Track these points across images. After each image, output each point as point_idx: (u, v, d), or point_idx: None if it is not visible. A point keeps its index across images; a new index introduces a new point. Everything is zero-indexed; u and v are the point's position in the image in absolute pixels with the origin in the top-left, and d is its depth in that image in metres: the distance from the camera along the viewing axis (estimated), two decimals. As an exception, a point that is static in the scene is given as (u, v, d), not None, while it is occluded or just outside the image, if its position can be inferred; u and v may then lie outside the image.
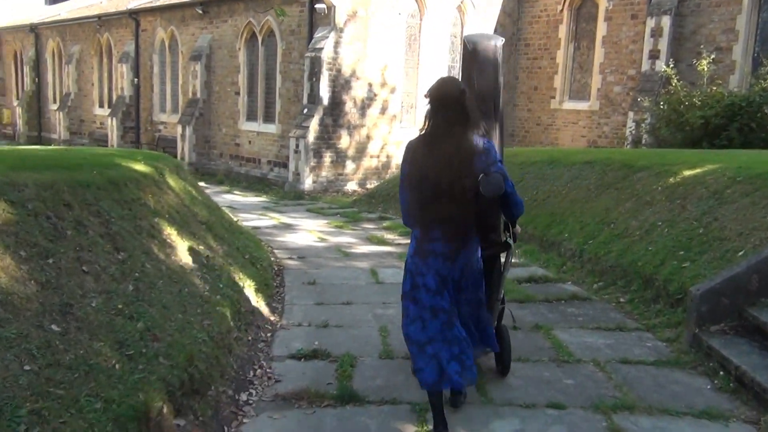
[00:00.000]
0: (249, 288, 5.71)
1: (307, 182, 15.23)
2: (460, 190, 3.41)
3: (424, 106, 17.67)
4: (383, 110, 16.40)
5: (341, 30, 15.16)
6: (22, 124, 28.36)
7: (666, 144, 13.55)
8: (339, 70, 15.31)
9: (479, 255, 3.71)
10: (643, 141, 14.95)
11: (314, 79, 15.09)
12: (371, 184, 15.82)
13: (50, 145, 25.92)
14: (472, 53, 4.29)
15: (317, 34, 15.27)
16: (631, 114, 15.48)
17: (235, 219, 8.85)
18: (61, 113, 25.58)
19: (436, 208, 3.45)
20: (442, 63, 17.64)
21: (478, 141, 3.50)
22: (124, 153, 7.53)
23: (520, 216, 3.89)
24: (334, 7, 14.93)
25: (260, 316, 5.47)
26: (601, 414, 3.89)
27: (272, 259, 8.09)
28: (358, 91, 15.77)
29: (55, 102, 26.99)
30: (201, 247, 5.53)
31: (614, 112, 16.83)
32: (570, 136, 17.97)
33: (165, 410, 3.08)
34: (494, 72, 4.30)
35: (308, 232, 10.39)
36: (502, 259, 4.40)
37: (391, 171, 16.42)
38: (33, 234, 3.36)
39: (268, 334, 5.18)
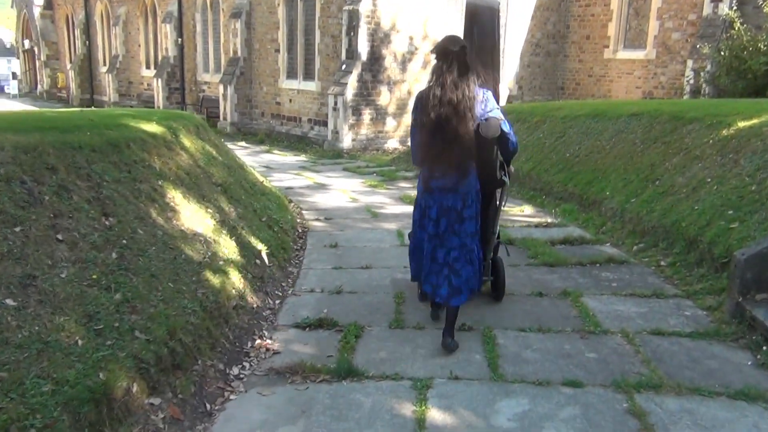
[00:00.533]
0: (261, 252, 5.49)
1: (346, 140, 14.92)
2: (464, 132, 3.89)
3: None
4: (425, 64, 15.82)
5: (379, -19, 14.59)
6: (74, 87, 28.87)
7: (726, 94, 12.62)
8: (378, 24, 14.79)
9: (478, 188, 4.15)
10: (703, 91, 14.00)
11: (352, 34, 14.63)
12: (413, 142, 15.39)
13: (102, 107, 26.36)
14: (472, 14, 4.90)
15: (355, -13, 14.74)
16: (689, 62, 14.48)
17: (262, 179, 8.62)
18: (110, 75, 25.88)
19: (442, 148, 3.94)
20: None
21: (478, 90, 4.02)
22: (142, 113, 7.35)
23: (515, 155, 4.50)
24: (371, -43, 14.35)
25: (271, 281, 5.25)
26: (622, 393, 3.52)
27: (298, 220, 7.87)
28: (398, 45, 15.24)
29: (104, 64, 27.31)
30: (210, 210, 5.32)
31: (672, 61, 15.79)
32: (624, 87, 17.01)
33: (135, 389, 2.89)
34: (492, 30, 4.94)
35: (341, 192, 10.13)
36: (498, 196, 4.90)
37: (434, 127, 15.91)
38: (0, 201, 3.17)
39: (277, 302, 4.96)
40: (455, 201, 4.06)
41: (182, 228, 4.65)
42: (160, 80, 22.06)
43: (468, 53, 4.00)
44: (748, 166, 6.03)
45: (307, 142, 16.46)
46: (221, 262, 4.65)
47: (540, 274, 5.65)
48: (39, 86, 33.55)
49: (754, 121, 6.81)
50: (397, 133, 15.78)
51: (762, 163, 5.91)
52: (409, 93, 15.73)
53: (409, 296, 5.05)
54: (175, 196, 4.97)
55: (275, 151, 15.57)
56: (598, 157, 8.58)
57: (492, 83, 4.54)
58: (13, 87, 35.43)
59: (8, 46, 47.85)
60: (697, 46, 14.06)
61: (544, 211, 8.35)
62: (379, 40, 14.90)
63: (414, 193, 7.88)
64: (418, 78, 15.79)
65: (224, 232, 5.20)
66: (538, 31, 18.03)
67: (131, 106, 24.80)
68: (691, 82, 14.32)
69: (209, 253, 4.63)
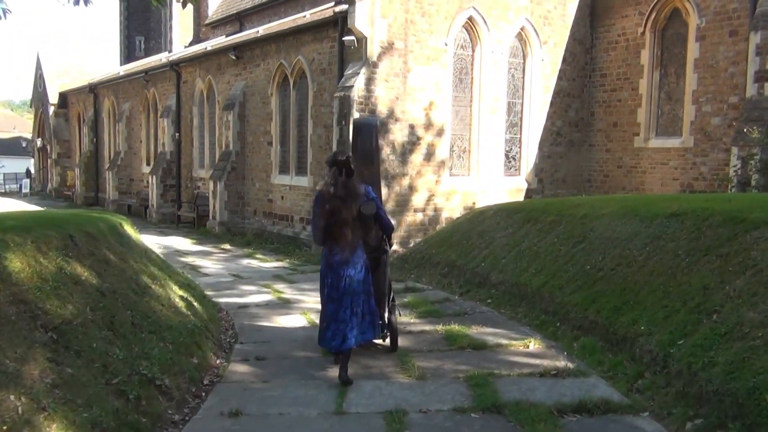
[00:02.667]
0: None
1: (336, 242, 12.95)
2: (351, 218, 5.40)
3: (479, 150, 15.22)
4: (429, 156, 14.05)
5: (375, 65, 13.05)
6: (79, 185, 27.95)
7: (786, 185, 10.42)
8: (373, 111, 13.14)
9: (365, 258, 5.61)
10: (753, 182, 11.80)
11: (343, 123, 12.99)
12: (415, 243, 13.36)
13: (103, 206, 25.17)
14: (356, 129, 6.82)
15: (347, 71, 13.23)
16: (735, 149, 12.38)
17: (183, 303, 6.58)
18: (110, 173, 24.83)
19: (337, 231, 5.41)
20: (501, 99, 15.18)
21: (361, 186, 5.58)
22: (24, 221, 5.51)
23: (392, 232, 6.09)
24: (365, 38, 12.87)
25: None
26: None
27: (218, 362, 5.79)
28: (397, 134, 13.52)
29: (109, 161, 26.38)
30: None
31: (713, 149, 13.70)
32: (659, 179, 14.89)
33: None
34: (370, 140, 6.56)
35: (302, 313, 8.05)
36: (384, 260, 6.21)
37: (440, 225, 13.93)
38: None
39: None
40: (350, 270, 5.43)
41: None
42: (154, 177, 20.75)
43: (352, 160, 5.49)
44: None
45: (298, 244, 14.57)
46: None
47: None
48: (49, 184, 32.89)
49: None
50: (397, 234, 13.77)
51: None
52: (412, 188, 13.87)
53: None
54: None
55: (257, 256, 13.66)
56: (627, 272, 6.38)
57: (371, 178, 6.05)
58: (25, 185, 34.94)
59: (24, 145, 48.33)
60: (744, 130, 12.01)
61: (556, 347, 6.11)
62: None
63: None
64: (421, 171, 13.96)
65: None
66: (558, 119, 16.23)
67: (129, 205, 23.52)
68: (739, 172, 12.16)
69: None
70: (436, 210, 14.29)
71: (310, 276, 10.91)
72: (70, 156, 31.15)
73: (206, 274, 11.40)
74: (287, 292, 9.60)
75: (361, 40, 12.91)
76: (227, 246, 15.09)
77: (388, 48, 13.17)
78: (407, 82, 13.51)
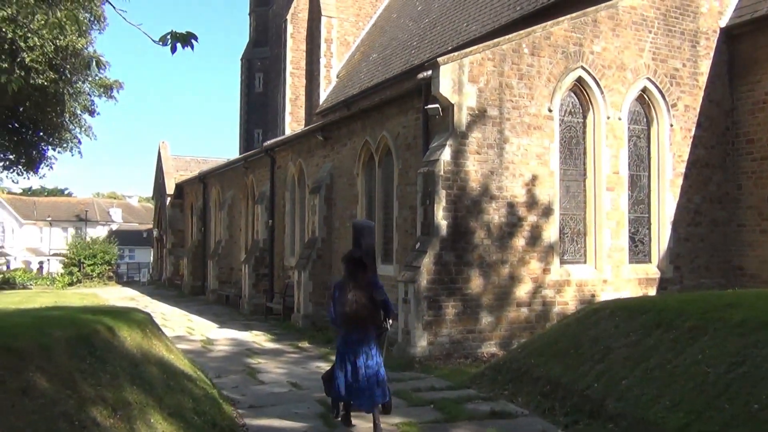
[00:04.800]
0: None
1: (420, 344, 10.85)
2: (367, 304, 6.54)
3: (597, 232, 12.74)
4: (533, 240, 11.80)
5: (463, 135, 11.25)
6: (187, 274, 27.84)
7: None
8: (463, 189, 11.23)
9: (374, 336, 6.72)
10: None
11: (428, 202, 11.15)
12: (518, 345, 10.94)
13: (206, 295, 24.64)
14: (359, 230, 7.67)
15: (432, 144, 11.50)
16: None
17: (243, 411, 4.79)
18: (211, 262, 24.34)
19: (352, 316, 6.48)
20: (621, 172, 12.78)
21: (373, 278, 6.90)
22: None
23: (393, 314, 7.03)
24: (452, 106, 11.16)
25: None
26: None
27: None
28: (492, 214, 11.47)
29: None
30: None
31: None
32: (837, 265, 11.64)
33: None
34: (371, 238, 7.77)
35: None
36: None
37: (551, 323, 11.46)
38: None
39: None
40: (364, 347, 6.57)
41: None
42: (247, 266, 19.78)
43: (365, 257, 6.91)
44: None
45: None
46: None
47: None
48: (164, 274, 33.36)
49: None
50: (496, 333, 11.47)
51: None
52: (513, 278, 11.61)
53: None
54: None
55: (332, 357, 11.71)
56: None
57: (374, 271, 7.33)
58: (143, 275, 35.81)
59: (144, 236, 50.52)
60: None
61: None
62: (465, 209, 11.25)
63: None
64: (524, 258, 11.70)
65: None
66: (696, 194, 13.48)
67: (227, 296, 22.72)
68: None
69: None
70: (544, 304, 11.86)
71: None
72: (183, 245, 31.45)
73: (261, 382, 9.68)
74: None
75: (447, 109, 11.20)
76: (305, 344, 13.38)
77: (479, 116, 11.35)
78: (503, 154, 11.55)
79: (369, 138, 13.95)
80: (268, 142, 20.07)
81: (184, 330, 15.71)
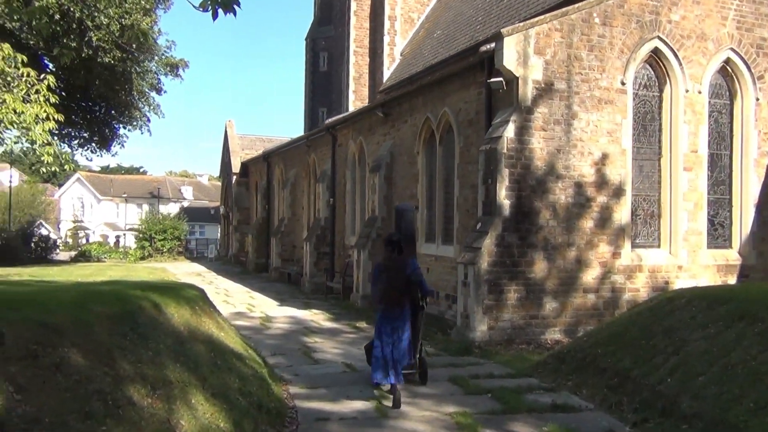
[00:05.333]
0: None
1: (479, 329, 10.44)
2: (403, 284, 7.25)
3: (673, 214, 11.95)
4: (602, 222, 11.16)
5: (528, 110, 10.67)
6: (251, 251, 28.19)
7: None
8: (527, 167, 10.69)
9: (409, 313, 7.38)
10: None
11: (489, 181, 10.67)
12: (584, 333, 10.39)
13: (269, 272, 24.88)
14: (400, 214, 8.37)
15: (495, 120, 10.98)
16: None
17: (297, 391, 4.62)
18: (274, 239, 24.51)
19: (391, 293, 7.20)
20: (700, 150, 11.90)
21: (408, 260, 7.47)
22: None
23: (428, 294, 7.72)
24: (516, 79, 10.59)
25: None
26: None
27: None
28: (558, 194, 10.88)
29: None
30: None
31: None
32: None
33: None
34: (412, 222, 8.55)
35: (389, 439, 5.71)
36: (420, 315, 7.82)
37: (620, 311, 10.84)
38: None
39: None
40: (398, 322, 7.23)
41: None
42: (308, 244, 19.76)
43: (401, 240, 7.53)
44: None
45: (441, 326, 12.20)
46: None
47: None
48: (230, 250, 33.95)
49: None
50: (560, 320, 10.93)
51: None
52: (580, 262, 11.02)
53: None
54: None
55: (388, 339, 11.50)
56: None
57: (413, 254, 8.12)
58: (211, 251, 36.58)
59: (212, 213, 51.56)
60: None
61: None
62: (530, 188, 10.71)
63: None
64: (592, 241, 11.08)
65: None
66: (783, 174, 12.45)
67: (289, 274, 22.84)
68: None
69: None
70: (613, 290, 11.23)
71: (437, 372, 8.48)
72: (248, 223, 31.87)
73: (316, 362, 9.53)
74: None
75: (511, 82, 10.64)
76: (363, 324, 13.18)
77: (545, 90, 10.74)
78: (571, 130, 10.92)
79: (430, 114, 13.50)
80: (329, 120, 19.91)
81: (244, 307, 15.80)
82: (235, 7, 4.95)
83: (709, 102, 12.11)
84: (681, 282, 11.41)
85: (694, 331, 6.69)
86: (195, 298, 7.28)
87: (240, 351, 7.13)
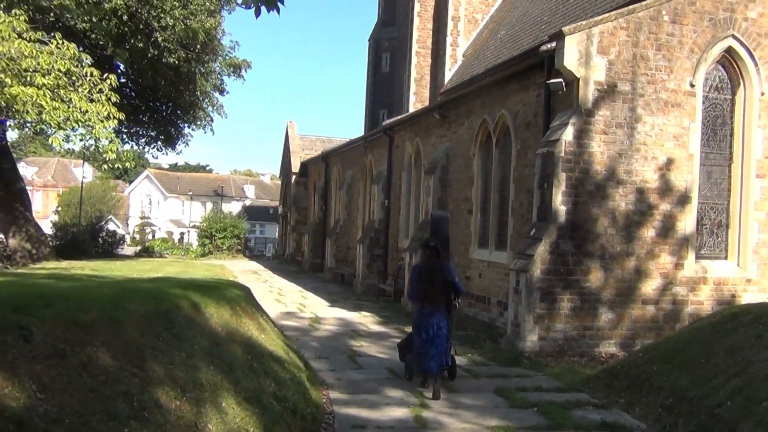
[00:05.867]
0: None
1: (530, 338, 10.07)
2: (439, 284, 7.89)
3: (743, 225, 11.24)
4: (665, 230, 10.60)
5: (589, 113, 10.24)
6: (307, 251, 28.38)
7: None
8: (586, 171, 10.25)
9: (445, 311, 7.96)
10: None
11: (545, 185, 10.29)
12: (641, 347, 9.87)
13: (323, 272, 24.98)
14: (436, 221, 9.46)
15: (553, 123, 10.58)
16: None
17: (336, 396, 4.53)
18: (329, 240, 24.57)
19: (428, 292, 7.88)
20: (776, 156, 11.18)
21: (445, 263, 8.22)
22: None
23: (460, 294, 8.42)
24: (577, 80, 10.17)
25: None
26: None
27: None
28: (618, 201, 10.40)
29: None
30: None
31: None
32: None
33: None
34: (446, 228, 9.42)
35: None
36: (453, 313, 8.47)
37: (681, 324, 10.28)
38: None
39: None
40: (436, 318, 7.77)
41: None
42: (362, 246, 19.68)
43: (437, 244, 8.16)
44: None
45: (492, 334, 11.86)
46: None
47: None
48: (287, 249, 34.29)
49: None
50: (616, 332, 10.44)
51: None
52: (639, 272, 10.50)
53: None
54: None
55: (437, 345, 11.25)
56: None
57: (447, 257, 8.64)
58: (269, 250, 37.06)
59: (271, 212, 52.21)
60: None
61: None
62: (587, 194, 10.27)
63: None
64: (653, 251, 10.55)
65: None
66: None
67: (342, 275, 22.85)
68: None
69: None
70: (675, 303, 10.67)
71: (482, 383, 8.21)
72: (305, 223, 32.12)
73: (360, 366, 9.38)
74: (435, 408, 7.07)
75: (571, 83, 10.23)
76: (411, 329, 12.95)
77: (607, 92, 10.29)
78: (634, 134, 10.42)
79: (487, 116, 13.16)
80: (387, 122, 19.79)
81: (295, 307, 15.83)
82: (279, 4, 4.84)
83: (787, 106, 11.35)
84: (749, 296, 10.73)
85: (759, 351, 6.21)
86: (237, 298, 7.24)
87: (279, 354, 7.04)
